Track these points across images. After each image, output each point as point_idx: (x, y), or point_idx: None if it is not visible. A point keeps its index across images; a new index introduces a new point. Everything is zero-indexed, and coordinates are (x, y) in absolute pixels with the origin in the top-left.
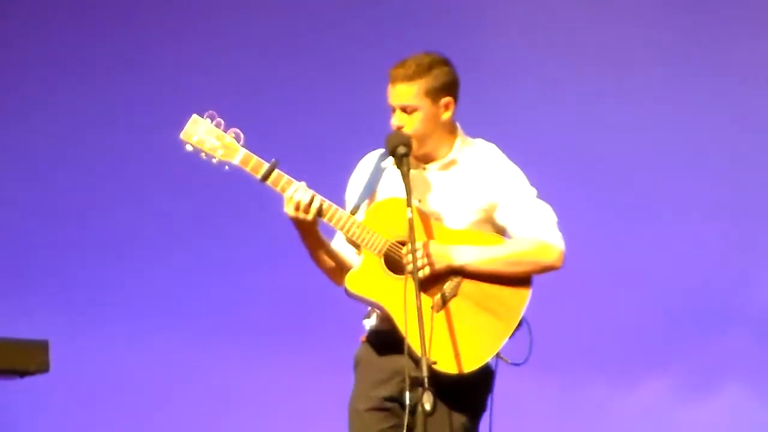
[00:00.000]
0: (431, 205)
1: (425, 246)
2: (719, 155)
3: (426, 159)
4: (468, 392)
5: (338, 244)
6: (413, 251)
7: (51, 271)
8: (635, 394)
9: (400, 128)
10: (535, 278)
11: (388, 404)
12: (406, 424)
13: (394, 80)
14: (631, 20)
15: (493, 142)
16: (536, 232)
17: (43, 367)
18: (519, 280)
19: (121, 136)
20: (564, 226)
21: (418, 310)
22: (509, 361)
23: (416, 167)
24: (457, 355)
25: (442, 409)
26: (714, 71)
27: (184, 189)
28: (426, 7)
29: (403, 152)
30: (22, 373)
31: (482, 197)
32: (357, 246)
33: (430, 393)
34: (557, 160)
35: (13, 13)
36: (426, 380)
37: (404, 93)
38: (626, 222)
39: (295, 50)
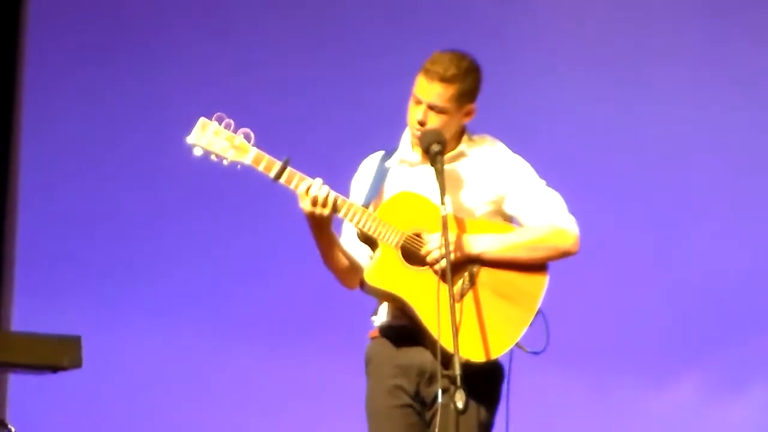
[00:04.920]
0: (432, 197)
1: (442, 236)
2: (756, 154)
3: None
4: (482, 383)
5: (345, 243)
6: (446, 246)
7: (84, 268)
8: (665, 393)
9: (423, 123)
10: (564, 276)
11: (409, 400)
12: (438, 421)
13: (431, 77)
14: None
15: (521, 139)
16: (550, 218)
17: (76, 363)
18: (536, 267)
19: (151, 137)
20: (598, 221)
21: (451, 309)
22: (528, 350)
23: (424, 162)
24: (479, 343)
25: (446, 404)
26: (739, 70)
27: (212, 190)
28: (436, 6)
29: (437, 150)
30: (55, 369)
31: (491, 189)
32: (371, 241)
33: (462, 391)
34: (589, 154)
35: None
36: (459, 378)
37: (439, 93)
38: (660, 219)
39: (304, 50)
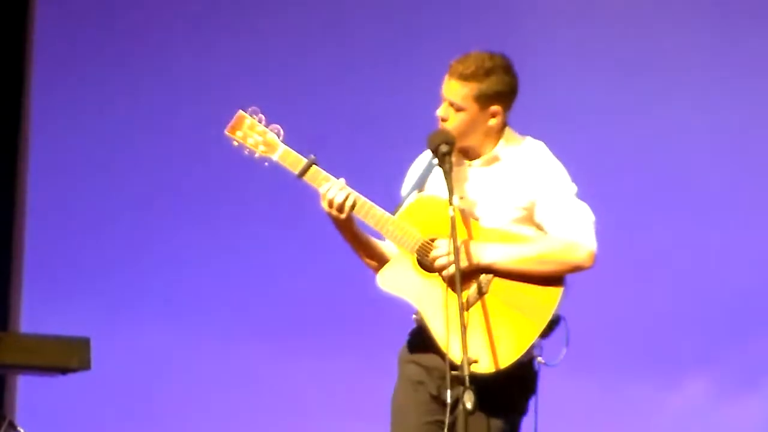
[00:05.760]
0: (471, 200)
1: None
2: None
3: (470, 154)
4: (502, 393)
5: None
6: (456, 251)
7: (93, 270)
8: (677, 393)
9: (444, 120)
10: (575, 278)
11: (430, 399)
12: (447, 423)
13: (451, 73)
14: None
15: (543, 141)
16: (569, 231)
17: (85, 365)
18: (549, 279)
19: (160, 138)
20: (608, 223)
21: (460, 311)
22: (543, 362)
23: (460, 162)
24: (484, 354)
25: (480, 410)
26: (749, 70)
27: (221, 191)
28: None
29: (445, 150)
30: (64, 370)
31: (522, 195)
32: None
33: (471, 392)
34: (608, 155)
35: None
36: (467, 379)
37: (455, 90)
38: (673, 219)
39: (320, 47)
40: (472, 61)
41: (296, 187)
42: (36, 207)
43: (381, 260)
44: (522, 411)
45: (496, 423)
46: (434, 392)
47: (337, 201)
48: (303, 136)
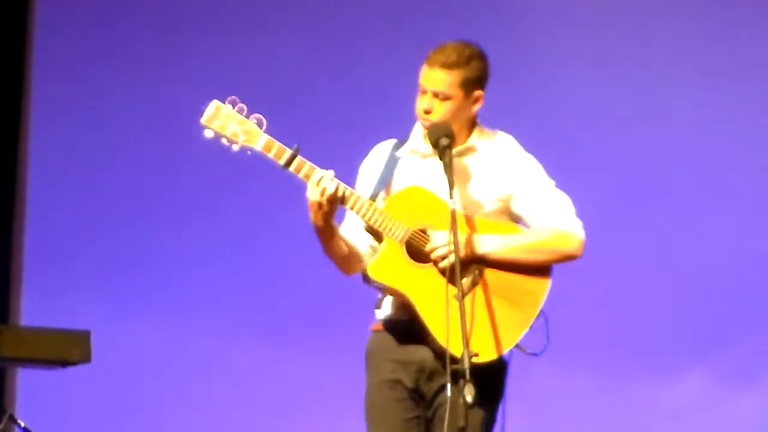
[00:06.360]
0: (439, 190)
1: (447, 234)
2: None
3: None
4: (487, 380)
5: (346, 231)
6: (455, 243)
7: (93, 263)
8: (674, 388)
9: (428, 112)
10: (572, 271)
11: (408, 395)
12: (448, 416)
13: (432, 64)
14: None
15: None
16: (555, 221)
17: (85, 358)
18: (539, 270)
19: (161, 134)
20: (608, 216)
21: (460, 306)
22: (527, 351)
23: (432, 155)
24: (478, 344)
25: (454, 400)
26: (752, 69)
27: (222, 187)
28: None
29: (446, 143)
30: (64, 363)
31: (499, 186)
32: (376, 234)
33: (471, 385)
34: (600, 151)
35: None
36: (467, 372)
37: (441, 79)
38: (669, 213)
39: (314, 40)
40: (451, 49)
41: (302, 186)
42: (36, 201)
43: (350, 247)
44: (498, 401)
45: (477, 413)
46: (411, 386)
47: (329, 191)
48: (291, 129)
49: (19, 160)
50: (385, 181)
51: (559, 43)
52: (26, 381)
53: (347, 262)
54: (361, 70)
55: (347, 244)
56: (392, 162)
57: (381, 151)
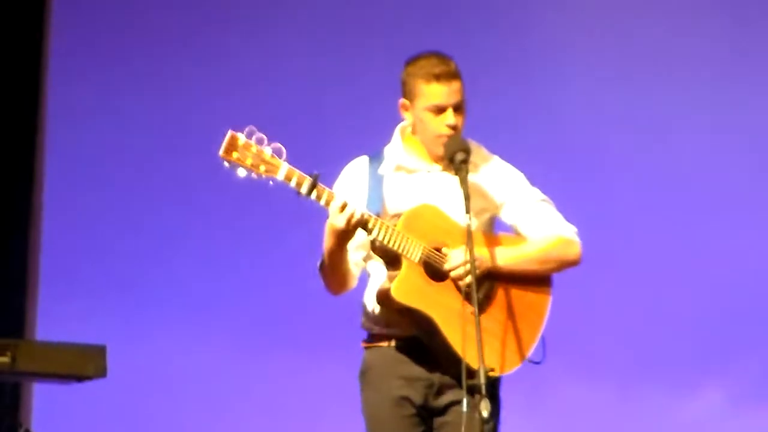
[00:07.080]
0: (440, 206)
1: (464, 252)
2: None
3: (432, 158)
4: (490, 397)
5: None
6: (472, 261)
7: (109, 278)
8: (692, 401)
9: (455, 128)
10: (588, 281)
11: (415, 411)
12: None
13: (447, 78)
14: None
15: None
16: (552, 228)
17: (101, 372)
18: (542, 281)
19: (175, 143)
20: (625, 229)
21: (477, 323)
22: (530, 360)
23: (421, 168)
24: (493, 359)
25: (470, 414)
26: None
27: (236, 198)
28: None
29: (462, 158)
30: (80, 378)
31: (490, 198)
32: (387, 254)
33: (487, 400)
34: (618, 155)
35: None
36: (483, 387)
37: (458, 89)
38: (687, 225)
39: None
40: (446, 60)
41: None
42: (52, 215)
43: (345, 273)
44: (499, 407)
45: (492, 426)
46: (420, 402)
47: (356, 218)
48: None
49: (35, 172)
50: (376, 201)
51: (559, 43)
52: (42, 396)
53: (344, 280)
54: (362, 76)
55: (347, 264)
56: (376, 181)
57: (357, 170)
